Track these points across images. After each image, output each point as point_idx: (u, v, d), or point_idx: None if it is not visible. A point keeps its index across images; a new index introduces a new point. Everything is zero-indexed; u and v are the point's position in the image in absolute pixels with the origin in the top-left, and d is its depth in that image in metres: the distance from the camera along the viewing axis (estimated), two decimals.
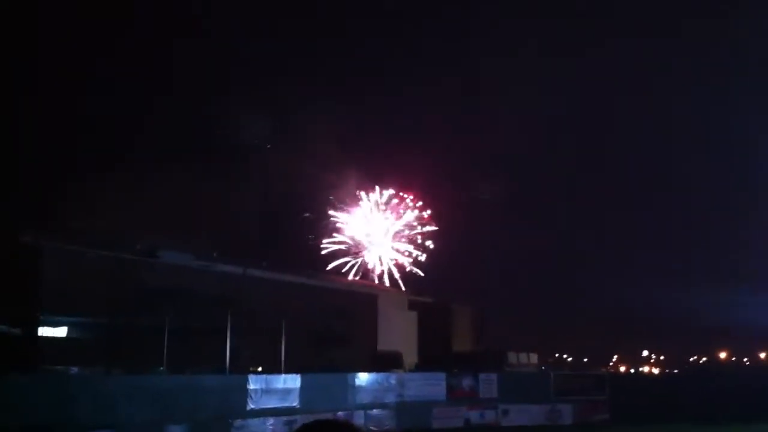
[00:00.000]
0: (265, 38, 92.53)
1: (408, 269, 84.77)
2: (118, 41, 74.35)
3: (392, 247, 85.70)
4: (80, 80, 69.10)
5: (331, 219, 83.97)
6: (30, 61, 64.27)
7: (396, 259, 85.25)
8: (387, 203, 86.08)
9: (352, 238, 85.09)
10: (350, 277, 79.90)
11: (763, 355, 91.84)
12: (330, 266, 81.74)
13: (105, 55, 73.13)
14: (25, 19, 64.57)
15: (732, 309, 74.21)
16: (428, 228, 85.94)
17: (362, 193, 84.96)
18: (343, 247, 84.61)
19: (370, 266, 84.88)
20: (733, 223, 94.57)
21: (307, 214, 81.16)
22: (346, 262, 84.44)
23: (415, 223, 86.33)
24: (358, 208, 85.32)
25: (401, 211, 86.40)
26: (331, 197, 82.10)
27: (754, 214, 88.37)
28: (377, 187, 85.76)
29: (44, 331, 36.94)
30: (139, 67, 73.80)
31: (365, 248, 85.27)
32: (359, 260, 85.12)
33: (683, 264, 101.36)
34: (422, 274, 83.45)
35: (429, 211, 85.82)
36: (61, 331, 38.22)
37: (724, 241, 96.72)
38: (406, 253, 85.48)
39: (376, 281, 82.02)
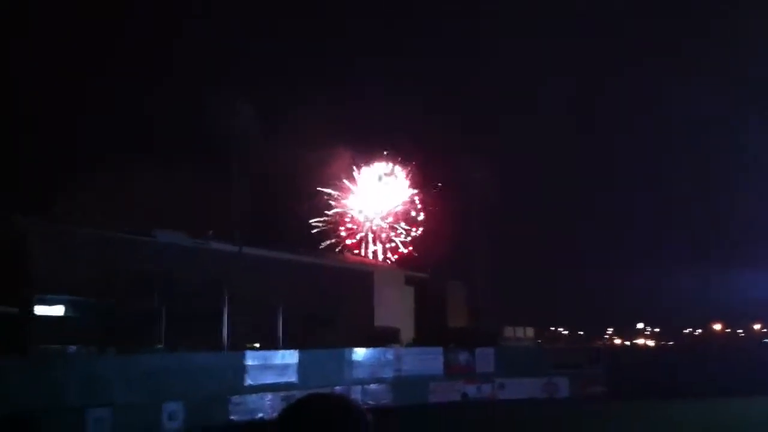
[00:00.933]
0: (254, 28, 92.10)
1: (402, 247, 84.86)
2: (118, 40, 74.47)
3: (387, 224, 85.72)
4: (79, 79, 68.88)
5: (326, 197, 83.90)
6: (29, 60, 64.13)
7: (390, 236, 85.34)
8: (381, 179, 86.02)
9: (345, 215, 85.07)
10: (345, 254, 79.95)
11: (757, 327, 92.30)
12: (324, 244, 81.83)
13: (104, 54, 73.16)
14: (25, 19, 64.34)
15: (726, 281, 74.46)
16: (422, 205, 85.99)
17: (356, 170, 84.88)
18: (335, 224, 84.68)
19: (364, 243, 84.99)
20: (728, 198, 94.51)
21: (304, 201, 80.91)
22: (340, 240, 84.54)
23: (409, 200, 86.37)
24: (354, 185, 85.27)
25: (396, 186, 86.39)
26: (325, 175, 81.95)
27: (751, 185, 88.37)
28: (372, 164, 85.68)
29: (40, 311, 36.91)
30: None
31: (360, 225, 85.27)
32: (356, 238, 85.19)
33: (678, 238, 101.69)
34: (416, 254, 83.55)
35: (420, 190, 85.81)
36: (57, 310, 38.19)
37: (719, 216, 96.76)
38: (400, 231, 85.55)
39: (371, 258, 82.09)
